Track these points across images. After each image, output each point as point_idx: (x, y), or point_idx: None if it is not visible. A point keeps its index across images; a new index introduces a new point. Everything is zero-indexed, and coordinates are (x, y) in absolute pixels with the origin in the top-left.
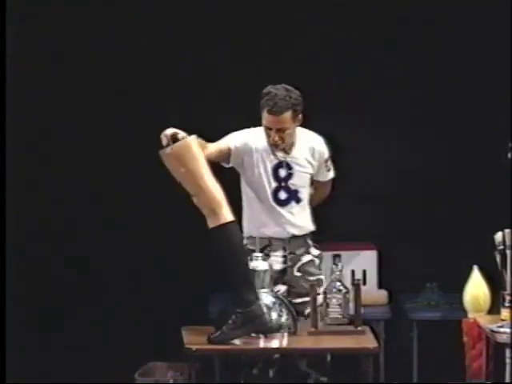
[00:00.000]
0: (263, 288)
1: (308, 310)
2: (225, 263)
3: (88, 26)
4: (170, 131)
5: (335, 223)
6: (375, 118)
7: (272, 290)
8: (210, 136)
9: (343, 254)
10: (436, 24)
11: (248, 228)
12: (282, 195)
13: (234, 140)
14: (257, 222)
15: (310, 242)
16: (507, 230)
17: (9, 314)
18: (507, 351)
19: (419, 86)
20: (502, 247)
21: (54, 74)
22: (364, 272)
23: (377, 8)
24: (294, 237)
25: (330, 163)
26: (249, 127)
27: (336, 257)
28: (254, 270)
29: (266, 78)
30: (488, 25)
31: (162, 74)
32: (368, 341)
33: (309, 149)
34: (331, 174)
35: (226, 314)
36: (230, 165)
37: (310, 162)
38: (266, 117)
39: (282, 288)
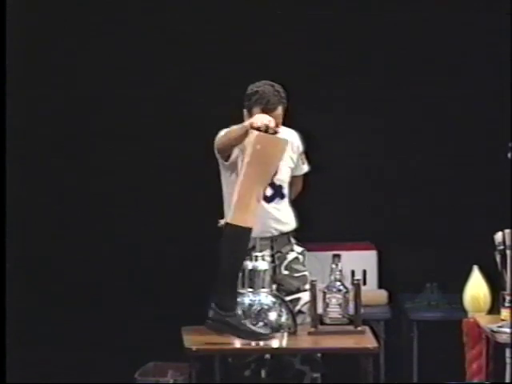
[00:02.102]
0: (263, 288)
1: (298, 307)
2: (225, 262)
3: (88, 26)
4: (272, 122)
5: (335, 223)
6: (375, 117)
7: (272, 290)
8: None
9: (343, 254)
10: (436, 24)
11: None
12: (268, 191)
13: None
14: None
15: (292, 239)
16: (507, 230)
17: (9, 314)
18: (507, 351)
19: (418, 86)
20: (502, 247)
21: (54, 73)
22: (364, 272)
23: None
24: (281, 234)
25: (304, 157)
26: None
27: (336, 257)
28: (254, 270)
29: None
30: (488, 25)
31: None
32: (368, 341)
33: (289, 143)
34: (306, 168)
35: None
36: (229, 162)
37: (290, 157)
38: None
39: (273, 287)
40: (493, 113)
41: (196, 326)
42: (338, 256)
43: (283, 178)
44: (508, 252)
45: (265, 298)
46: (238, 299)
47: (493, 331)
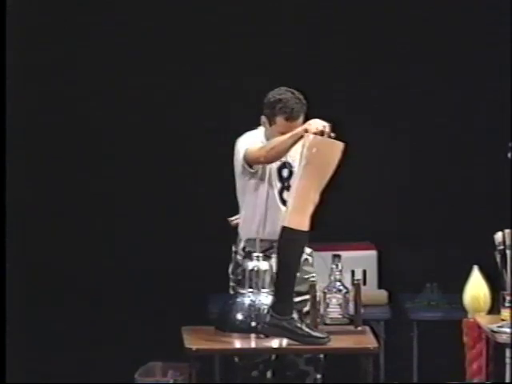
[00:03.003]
0: (263, 288)
1: (306, 308)
2: (282, 265)
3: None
4: (327, 127)
5: (335, 223)
6: (375, 117)
7: (272, 290)
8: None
9: (343, 254)
10: (435, 24)
11: (248, 230)
12: (286, 195)
13: (255, 142)
14: (259, 225)
15: None
16: (507, 230)
17: (9, 314)
18: (507, 351)
19: (418, 86)
20: (502, 247)
21: (54, 73)
22: (364, 272)
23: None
24: None
25: None
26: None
27: (336, 257)
28: (254, 270)
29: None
30: (488, 25)
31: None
32: (368, 341)
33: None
34: None
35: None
36: (255, 169)
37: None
38: (281, 124)
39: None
40: (493, 113)
41: (196, 326)
42: (338, 256)
43: None
44: (508, 252)
45: (265, 298)
46: (238, 299)
47: (493, 331)
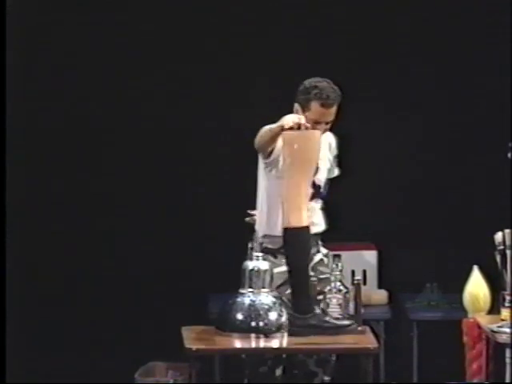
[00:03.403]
0: (263, 288)
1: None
2: (292, 266)
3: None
4: (302, 119)
5: (335, 223)
6: (374, 117)
7: (272, 290)
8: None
9: (343, 254)
10: (435, 23)
11: (267, 227)
12: (309, 191)
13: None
14: (279, 221)
15: (319, 240)
16: (507, 230)
17: (9, 314)
18: (507, 351)
19: (418, 87)
20: (502, 247)
21: (54, 74)
22: (364, 272)
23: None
24: (311, 235)
25: (336, 160)
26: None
27: (336, 257)
28: (254, 270)
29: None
30: (488, 25)
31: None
32: (368, 341)
33: (328, 144)
34: (337, 172)
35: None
36: (270, 159)
37: (328, 157)
38: (316, 110)
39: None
40: (493, 113)
41: (196, 326)
42: (338, 256)
43: (321, 178)
44: (508, 252)
45: (265, 297)
46: (238, 299)
47: (493, 331)
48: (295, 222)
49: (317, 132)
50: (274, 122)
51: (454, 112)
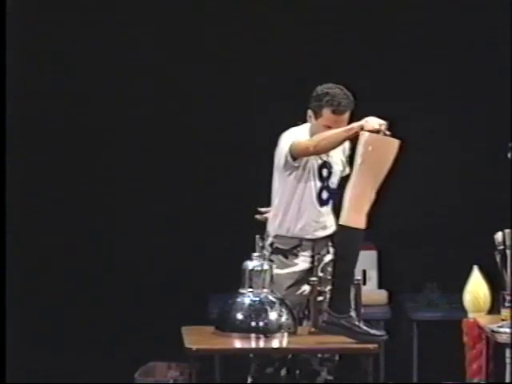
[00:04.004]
0: (263, 288)
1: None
2: (339, 264)
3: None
4: (384, 125)
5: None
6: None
7: (272, 291)
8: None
9: None
10: (435, 23)
11: (280, 227)
12: (324, 195)
13: (302, 135)
14: (292, 222)
15: (329, 242)
16: (507, 230)
17: (9, 314)
18: (507, 351)
19: (417, 87)
20: (502, 247)
21: (54, 74)
22: (364, 272)
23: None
24: (322, 237)
25: (348, 160)
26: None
27: None
28: (254, 270)
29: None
30: (489, 24)
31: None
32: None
33: (342, 147)
34: (347, 170)
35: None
36: (298, 162)
37: (342, 161)
38: (328, 117)
39: (307, 288)
40: (493, 113)
41: (196, 326)
42: None
43: (335, 181)
44: (508, 252)
45: (265, 297)
46: (238, 299)
47: (493, 331)
48: (353, 222)
49: (396, 142)
50: (274, 122)
51: (454, 112)
